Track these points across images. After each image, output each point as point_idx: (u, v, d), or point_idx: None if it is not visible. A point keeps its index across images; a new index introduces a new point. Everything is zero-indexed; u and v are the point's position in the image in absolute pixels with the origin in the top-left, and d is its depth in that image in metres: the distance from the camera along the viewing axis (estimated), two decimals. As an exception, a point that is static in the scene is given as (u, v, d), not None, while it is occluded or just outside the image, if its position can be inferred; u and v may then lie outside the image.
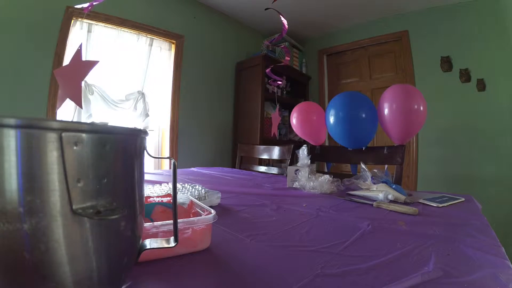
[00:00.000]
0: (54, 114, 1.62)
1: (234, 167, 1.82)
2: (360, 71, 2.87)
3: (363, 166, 0.87)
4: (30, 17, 1.55)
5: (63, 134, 0.19)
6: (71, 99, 0.56)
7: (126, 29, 1.98)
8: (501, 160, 2.02)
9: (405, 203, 0.71)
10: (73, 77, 0.57)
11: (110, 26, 1.88)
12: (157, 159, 0.67)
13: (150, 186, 0.72)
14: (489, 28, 2.09)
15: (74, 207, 0.19)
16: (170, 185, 0.71)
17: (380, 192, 0.74)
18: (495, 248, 0.41)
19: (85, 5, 0.75)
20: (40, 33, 1.59)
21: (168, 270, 0.34)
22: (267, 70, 1.41)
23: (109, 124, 0.23)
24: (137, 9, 2.01)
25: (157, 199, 0.50)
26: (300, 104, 1.38)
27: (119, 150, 0.23)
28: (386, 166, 1.06)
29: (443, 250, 0.40)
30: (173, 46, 2.29)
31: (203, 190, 0.68)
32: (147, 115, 2.06)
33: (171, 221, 0.32)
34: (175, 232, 0.30)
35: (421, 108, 1.02)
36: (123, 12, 1.92)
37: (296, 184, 0.93)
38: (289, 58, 2.86)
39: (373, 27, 2.69)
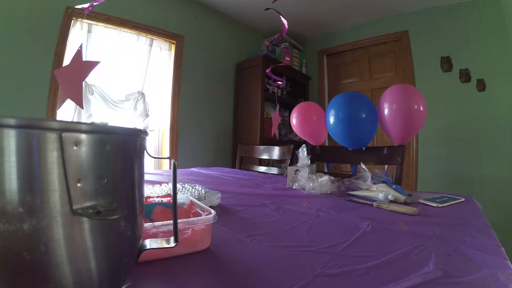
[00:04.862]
0: (54, 114, 1.62)
1: (234, 167, 1.82)
2: (360, 71, 2.87)
3: (363, 166, 0.87)
4: (30, 17, 1.55)
5: (63, 134, 0.19)
6: (72, 99, 0.56)
7: (126, 29, 1.98)
8: (501, 160, 2.02)
9: (405, 203, 0.71)
10: (73, 78, 0.57)
11: (110, 26, 1.88)
12: (157, 159, 0.67)
13: (150, 186, 0.72)
14: (489, 28, 2.09)
15: (74, 207, 0.19)
16: (170, 185, 0.71)
17: (380, 192, 0.74)
18: (495, 248, 0.41)
19: (85, 5, 0.75)
20: (40, 33, 1.59)
21: (168, 270, 0.34)
22: (267, 70, 1.41)
23: (109, 124, 0.23)
24: (137, 9, 2.01)
25: (157, 199, 0.50)
26: (300, 104, 1.38)
27: (119, 150, 0.23)
28: (386, 166, 1.06)
29: (443, 250, 0.40)
30: (173, 46, 2.29)
31: (203, 190, 0.68)
32: (147, 115, 2.06)
33: (171, 221, 0.32)
34: (175, 232, 0.30)
35: (421, 108, 1.02)
36: (123, 12, 1.92)
37: (296, 185, 0.93)
38: (289, 58, 2.86)
39: (373, 27, 2.69)
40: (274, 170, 1.61)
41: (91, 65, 0.58)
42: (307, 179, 0.91)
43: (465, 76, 2.17)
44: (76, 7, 0.79)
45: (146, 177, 1.11)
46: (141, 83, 2.06)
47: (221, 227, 0.50)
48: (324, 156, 1.35)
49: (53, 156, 0.19)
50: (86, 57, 1.75)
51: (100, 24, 1.84)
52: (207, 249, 0.40)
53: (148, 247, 0.30)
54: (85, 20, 1.76)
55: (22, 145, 0.17)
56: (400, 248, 0.41)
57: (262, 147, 1.71)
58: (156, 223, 0.36)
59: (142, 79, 2.07)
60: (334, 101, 1.16)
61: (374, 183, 0.82)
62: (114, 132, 0.23)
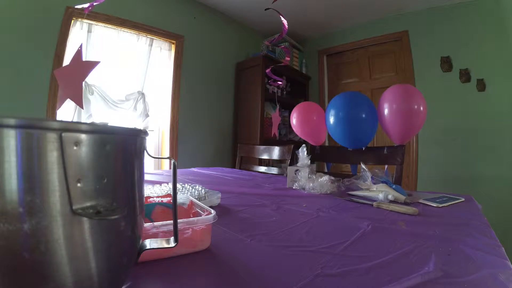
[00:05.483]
0: (54, 114, 1.62)
1: (234, 167, 1.82)
2: (360, 71, 2.87)
3: (363, 166, 0.87)
4: (30, 17, 1.55)
5: (63, 134, 0.19)
6: (72, 99, 0.56)
7: (126, 29, 1.98)
8: (501, 160, 2.01)
9: (405, 203, 0.71)
10: (73, 78, 0.57)
11: (110, 26, 1.88)
12: (157, 159, 0.68)
13: (150, 186, 0.72)
14: (489, 28, 2.09)
15: (74, 207, 0.19)
16: (170, 185, 0.71)
17: (380, 192, 0.74)
18: (495, 248, 0.41)
19: (85, 5, 0.75)
20: (40, 33, 1.59)
21: (168, 270, 0.34)
22: (267, 71, 1.41)
23: (109, 124, 0.23)
24: (137, 9, 2.01)
25: (157, 199, 0.50)
26: (300, 104, 1.38)
27: (119, 150, 0.23)
28: (386, 166, 1.06)
29: (443, 250, 0.40)
30: (173, 46, 2.29)
31: (203, 190, 0.68)
32: (147, 115, 2.06)
33: (171, 221, 0.32)
34: (175, 232, 0.30)
35: (421, 108, 1.02)
36: (123, 12, 1.92)
37: (296, 185, 0.93)
38: (289, 58, 2.86)
39: (373, 27, 2.69)
40: (274, 170, 1.61)
41: (91, 65, 0.58)
42: (307, 179, 0.91)
43: (465, 76, 2.17)
44: (76, 7, 0.79)
45: (146, 177, 1.11)
46: (141, 83, 2.06)
47: (221, 227, 0.50)
48: (324, 156, 1.35)
49: (53, 156, 0.18)
50: (86, 57, 1.75)
51: (100, 24, 1.84)
52: (207, 249, 0.40)
53: (148, 247, 0.30)
54: (85, 20, 1.76)
55: (22, 145, 0.17)
56: (400, 248, 0.41)
57: (262, 147, 1.71)
58: (156, 223, 0.36)
59: (142, 79, 2.07)
60: (334, 101, 1.16)
61: (374, 183, 0.82)
62: (114, 132, 0.23)
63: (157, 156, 2.36)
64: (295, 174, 0.95)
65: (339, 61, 3.05)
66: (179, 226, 0.34)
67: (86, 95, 1.75)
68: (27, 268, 0.18)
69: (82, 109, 1.73)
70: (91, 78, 1.78)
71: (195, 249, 0.39)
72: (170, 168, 1.93)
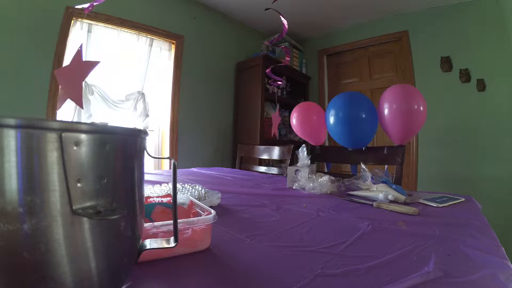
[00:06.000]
0: (54, 114, 1.62)
1: (234, 167, 1.82)
2: (360, 71, 2.87)
3: (363, 166, 0.87)
4: (30, 17, 1.55)
5: (63, 134, 0.19)
6: (72, 99, 0.56)
7: (126, 29, 1.98)
8: (501, 160, 2.01)
9: (405, 203, 0.71)
10: (73, 78, 0.57)
11: (110, 26, 1.88)
12: (157, 159, 0.68)
13: (150, 186, 0.72)
14: (489, 28, 2.09)
15: (74, 207, 0.19)
16: (170, 185, 0.71)
17: (380, 192, 0.74)
18: (495, 248, 0.41)
19: (85, 5, 0.75)
20: (40, 33, 1.59)
21: (168, 270, 0.34)
22: (267, 71, 1.41)
23: (109, 124, 0.23)
24: (137, 9, 2.01)
25: (157, 199, 0.50)
26: (300, 104, 1.38)
27: (119, 150, 0.23)
28: (386, 166, 1.06)
29: (443, 250, 0.40)
30: (173, 46, 2.29)
31: (203, 190, 0.68)
32: (147, 115, 2.06)
33: (171, 221, 0.32)
34: (175, 232, 0.30)
35: (421, 108, 1.02)
36: (123, 12, 1.92)
37: (296, 185, 0.93)
38: (289, 58, 2.86)
39: (373, 27, 2.69)
40: (274, 170, 1.61)
41: (91, 65, 0.58)
42: (307, 179, 0.91)
43: (465, 76, 2.17)
44: (76, 7, 0.79)
45: (146, 177, 1.11)
46: (141, 83, 2.06)
47: (221, 227, 0.50)
48: (324, 156, 1.35)
49: (53, 156, 0.18)
50: (86, 57, 1.75)
51: (100, 24, 1.84)
52: (207, 249, 0.40)
53: (148, 247, 0.30)
54: (85, 20, 1.76)
55: (22, 145, 0.17)
56: (400, 248, 0.41)
57: (262, 147, 1.71)
58: (156, 223, 0.36)
59: (142, 79, 2.07)
60: (334, 101, 1.16)
61: (374, 183, 0.82)
62: (114, 132, 0.23)
63: (157, 156, 2.36)
64: (295, 174, 0.95)
65: (339, 61, 3.05)
66: (179, 226, 0.34)
67: (86, 95, 1.75)
68: (27, 268, 0.18)
69: (82, 109, 1.73)
70: (91, 78, 1.78)
71: (195, 249, 0.39)
72: (170, 168, 1.93)
